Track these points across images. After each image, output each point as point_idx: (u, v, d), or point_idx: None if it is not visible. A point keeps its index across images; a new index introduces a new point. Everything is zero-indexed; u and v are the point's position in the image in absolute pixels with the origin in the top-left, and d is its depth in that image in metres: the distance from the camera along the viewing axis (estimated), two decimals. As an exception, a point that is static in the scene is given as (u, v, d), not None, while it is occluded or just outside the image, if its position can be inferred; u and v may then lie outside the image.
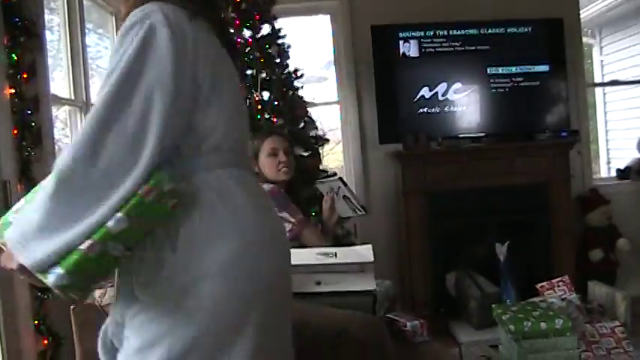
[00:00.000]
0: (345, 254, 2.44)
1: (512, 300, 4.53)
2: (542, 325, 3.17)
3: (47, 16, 3.62)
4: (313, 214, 4.12)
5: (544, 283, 3.73)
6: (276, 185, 3.11)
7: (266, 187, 3.08)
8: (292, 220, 2.96)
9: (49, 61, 3.51)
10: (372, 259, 2.40)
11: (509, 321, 3.24)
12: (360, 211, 3.29)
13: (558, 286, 3.67)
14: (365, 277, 2.36)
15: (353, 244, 3.68)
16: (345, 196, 3.24)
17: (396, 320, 2.76)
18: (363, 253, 2.43)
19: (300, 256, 2.49)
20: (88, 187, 1.34)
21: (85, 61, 4.07)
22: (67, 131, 3.97)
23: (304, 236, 2.96)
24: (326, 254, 2.42)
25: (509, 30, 5.31)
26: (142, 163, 1.35)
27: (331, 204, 3.30)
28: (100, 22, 4.76)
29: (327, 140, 4.70)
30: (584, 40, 6.18)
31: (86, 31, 4.21)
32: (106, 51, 4.82)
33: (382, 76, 5.23)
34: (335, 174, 3.30)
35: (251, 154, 3.24)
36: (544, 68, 5.33)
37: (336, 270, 2.38)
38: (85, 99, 4.02)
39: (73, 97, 3.97)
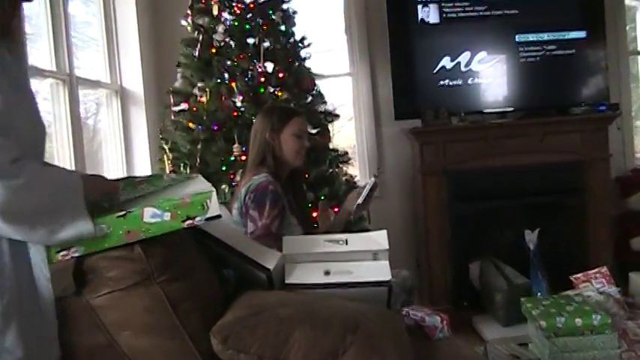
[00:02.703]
0: (357, 241, 2.41)
1: (543, 293, 4.52)
2: (578, 321, 3.15)
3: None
4: (322, 197, 4.12)
5: (579, 275, 3.71)
6: (272, 179, 3.09)
7: (259, 178, 3.08)
8: (258, 223, 2.95)
9: (28, 30, 3.47)
10: (386, 246, 2.37)
11: (539, 316, 3.22)
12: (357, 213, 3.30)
13: (595, 277, 3.64)
14: (379, 267, 2.33)
15: (366, 229, 3.67)
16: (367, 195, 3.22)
17: (413, 314, 2.75)
18: (377, 239, 2.40)
19: (306, 244, 2.47)
20: None
21: (68, 30, 4.05)
22: (50, 106, 3.95)
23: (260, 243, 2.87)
24: (335, 241, 2.40)
25: (540, -9, 5.27)
26: None
27: (325, 214, 3.34)
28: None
29: (337, 116, 4.68)
30: (626, 1, 6.10)
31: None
32: (93, 18, 4.80)
33: (398, 45, 5.20)
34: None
35: (264, 127, 3.25)
36: (580, 34, 5.27)
37: (346, 259, 2.35)
38: (68, 71, 4.00)
39: (55, 69, 3.95)
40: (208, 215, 2.00)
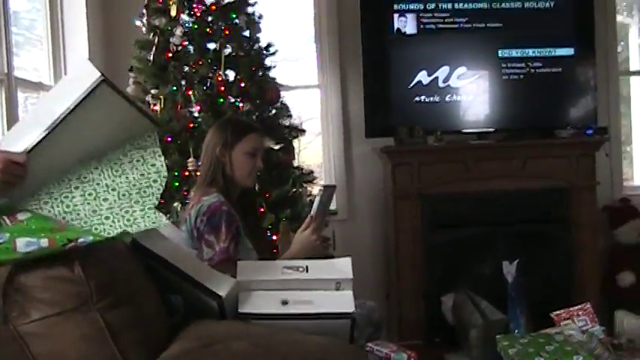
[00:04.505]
0: (319, 269, 2.41)
1: (521, 330, 4.53)
2: (558, 361, 3.16)
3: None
4: (283, 219, 4.10)
5: (561, 311, 3.72)
6: (224, 199, 3.07)
7: (209, 199, 3.06)
8: (215, 247, 2.94)
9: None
10: (350, 275, 2.37)
11: (516, 356, 3.23)
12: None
13: (578, 315, 3.66)
14: (342, 297, 2.33)
15: (330, 256, 3.66)
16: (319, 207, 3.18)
17: (378, 351, 2.74)
18: (341, 267, 2.40)
19: (263, 270, 2.46)
20: None
21: (8, 25, 4.01)
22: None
23: (219, 269, 2.83)
24: (295, 268, 2.39)
25: (526, 4, 5.33)
26: None
27: (286, 238, 3.30)
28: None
29: (304, 131, 4.68)
30: (619, 18, 6.18)
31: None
32: (38, 14, 4.76)
33: (372, 56, 5.23)
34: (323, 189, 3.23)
35: (216, 142, 3.22)
36: (568, 52, 5.34)
37: (306, 287, 2.35)
38: (6, 70, 3.96)
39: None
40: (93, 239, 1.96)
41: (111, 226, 2.03)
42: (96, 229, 2.02)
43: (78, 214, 2.04)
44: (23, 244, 1.89)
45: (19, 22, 4.40)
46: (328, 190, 3.16)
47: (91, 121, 2.01)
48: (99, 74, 1.93)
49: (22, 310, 1.94)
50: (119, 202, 2.06)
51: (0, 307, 1.96)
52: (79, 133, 2.01)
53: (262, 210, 4.04)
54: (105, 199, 2.05)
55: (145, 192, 2.12)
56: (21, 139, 1.95)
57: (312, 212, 3.04)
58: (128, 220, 2.06)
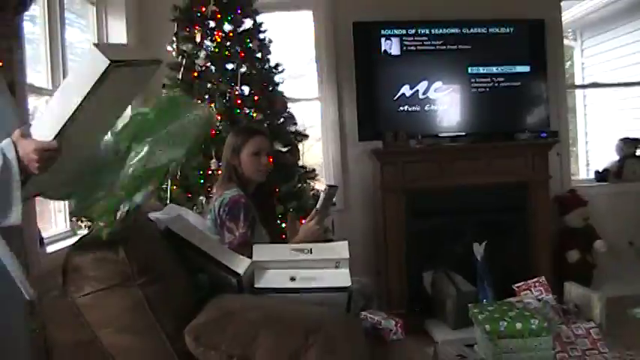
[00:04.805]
0: (320, 250, 2.42)
1: (488, 300, 4.54)
2: (518, 325, 3.17)
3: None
4: (291, 210, 4.11)
5: (521, 284, 3.73)
6: (242, 193, 3.08)
7: (230, 192, 3.07)
8: (235, 233, 2.95)
9: (29, 51, 3.44)
10: (347, 255, 2.38)
11: (484, 320, 3.23)
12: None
13: (535, 286, 3.67)
14: (340, 274, 2.33)
15: (330, 240, 3.66)
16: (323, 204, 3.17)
17: (370, 318, 2.75)
18: (339, 249, 2.41)
19: (274, 252, 2.47)
20: None
21: (65, 52, 4.01)
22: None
23: (238, 251, 2.73)
24: (301, 250, 2.41)
25: (490, 30, 5.32)
26: None
27: (293, 226, 3.30)
28: (83, 13, 4.72)
29: (307, 136, 4.67)
30: (566, 42, 6.21)
31: (68, 21, 4.18)
32: (89, 43, 4.77)
33: (363, 73, 5.22)
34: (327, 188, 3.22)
35: (228, 147, 3.23)
36: (525, 69, 5.33)
37: (310, 266, 2.36)
38: (61, 89, 3.96)
39: (50, 87, 3.92)
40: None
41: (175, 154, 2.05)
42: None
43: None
44: (140, 198, 1.95)
45: (73, 51, 4.40)
46: (331, 190, 3.18)
47: (109, 95, 1.85)
48: (107, 60, 1.74)
49: (78, 285, 1.96)
50: (165, 138, 2.04)
51: (60, 283, 1.98)
52: (101, 106, 1.88)
53: (273, 202, 4.04)
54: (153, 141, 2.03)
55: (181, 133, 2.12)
56: (48, 125, 1.82)
57: (317, 206, 3.06)
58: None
